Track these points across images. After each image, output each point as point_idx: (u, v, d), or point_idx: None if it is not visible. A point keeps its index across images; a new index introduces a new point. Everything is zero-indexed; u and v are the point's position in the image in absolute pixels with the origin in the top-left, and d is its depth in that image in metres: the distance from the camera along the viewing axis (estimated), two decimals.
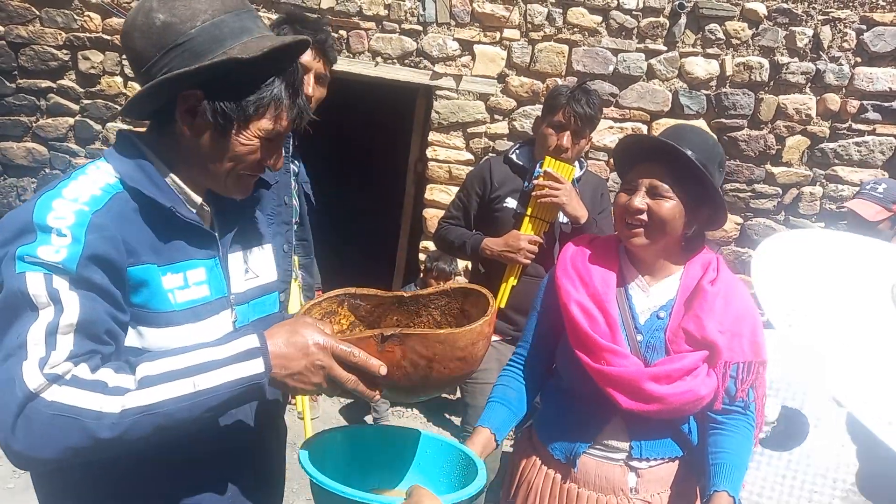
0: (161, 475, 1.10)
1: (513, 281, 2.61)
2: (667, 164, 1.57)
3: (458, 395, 2.80)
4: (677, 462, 1.65)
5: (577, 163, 2.67)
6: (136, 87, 4.54)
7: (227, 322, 1.19)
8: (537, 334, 1.79)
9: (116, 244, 1.02)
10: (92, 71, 4.51)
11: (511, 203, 2.63)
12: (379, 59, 4.38)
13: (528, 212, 2.57)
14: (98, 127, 4.62)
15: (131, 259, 1.04)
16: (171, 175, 1.14)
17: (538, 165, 2.58)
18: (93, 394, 0.92)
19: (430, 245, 4.53)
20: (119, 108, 4.59)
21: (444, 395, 3.90)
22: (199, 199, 1.17)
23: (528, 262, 2.56)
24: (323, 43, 2.18)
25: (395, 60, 4.40)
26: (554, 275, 1.73)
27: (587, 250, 1.72)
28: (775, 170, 4.46)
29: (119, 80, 4.56)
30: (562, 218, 2.60)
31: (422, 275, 4.47)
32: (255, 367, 0.99)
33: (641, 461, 1.62)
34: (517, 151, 2.72)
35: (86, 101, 4.58)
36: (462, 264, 4.40)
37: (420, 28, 4.35)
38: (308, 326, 1.05)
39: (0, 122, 4.56)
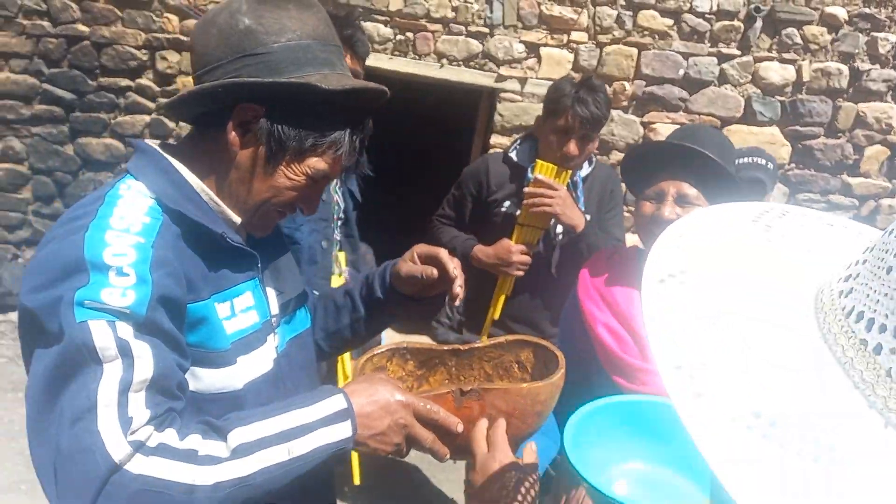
0: None
1: (507, 291, 2.42)
2: (689, 168, 1.51)
3: None
4: None
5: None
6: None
7: (272, 349, 1.10)
8: (569, 365, 1.76)
9: (179, 280, 0.93)
10: (169, 71, 4.67)
11: (507, 206, 2.41)
12: (444, 60, 4.39)
13: (520, 219, 2.34)
14: (171, 125, 4.78)
15: (191, 295, 0.95)
16: (207, 190, 1.03)
17: (529, 170, 2.36)
18: (183, 465, 0.82)
19: None
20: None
21: None
22: (238, 220, 1.06)
23: (521, 273, 2.35)
24: (350, 38, 2.06)
25: (461, 62, 4.41)
26: (577, 297, 1.68)
27: (607, 268, 1.67)
28: (852, 180, 4.28)
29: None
30: (557, 230, 2.38)
31: None
32: (344, 430, 0.92)
33: None
34: (517, 148, 2.46)
35: (162, 100, 4.74)
36: None
37: (487, 30, 4.35)
38: (386, 383, 0.99)
39: (81, 118, 4.77)
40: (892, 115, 4.16)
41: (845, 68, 4.14)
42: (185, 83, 4.70)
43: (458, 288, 1.18)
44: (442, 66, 4.38)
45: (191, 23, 4.57)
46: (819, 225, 0.56)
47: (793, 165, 4.32)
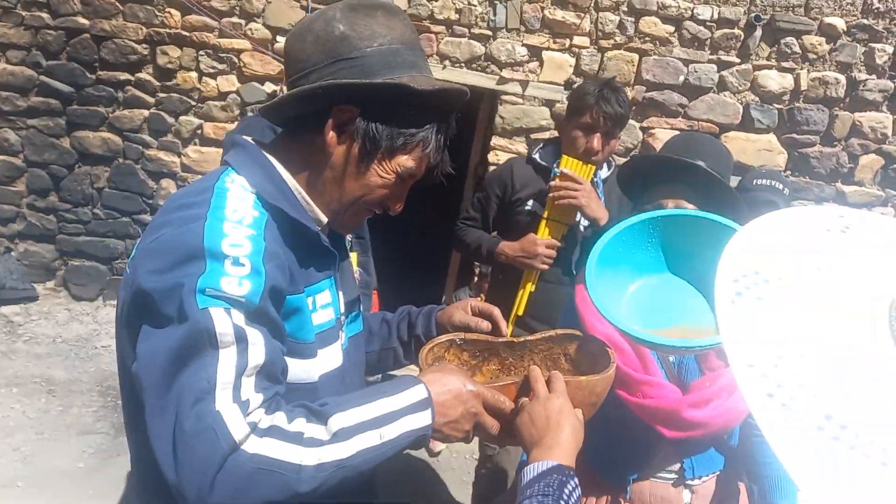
0: None
1: (531, 287, 2.49)
2: (687, 181, 1.54)
3: None
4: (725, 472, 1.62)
5: (605, 162, 2.55)
6: (209, 81, 4.68)
7: (339, 347, 1.15)
8: None
9: (285, 273, 0.98)
10: (169, 66, 4.65)
11: (531, 205, 2.50)
12: (447, 62, 4.41)
13: (545, 214, 2.44)
14: (171, 120, 4.75)
15: (291, 287, 1.00)
16: (299, 189, 1.09)
17: (555, 165, 2.46)
18: (292, 446, 0.87)
19: None
20: (193, 102, 4.73)
21: None
22: (324, 219, 1.11)
23: (546, 267, 2.43)
24: None
25: (463, 64, 4.43)
26: (576, 308, 1.68)
27: None
28: (847, 188, 4.35)
29: (194, 75, 4.69)
30: (582, 223, 2.47)
31: (476, 279, 4.49)
32: (425, 418, 0.96)
33: (694, 479, 1.59)
34: (541, 151, 2.57)
35: (161, 95, 4.72)
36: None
37: (490, 33, 4.37)
38: (456, 373, 1.03)
39: (79, 111, 4.74)
40: (887, 125, 4.23)
41: (843, 78, 4.21)
42: (186, 78, 4.69)
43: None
44: (444, 67, 4.40)
45: (192, 18, 4.56)
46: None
47: (788, 173, 4.38)
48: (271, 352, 0.92)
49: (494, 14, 4.32)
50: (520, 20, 4.33)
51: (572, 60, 4.36)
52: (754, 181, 2.63)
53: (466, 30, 4.38)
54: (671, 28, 4.26)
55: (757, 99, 4.30)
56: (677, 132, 4.35)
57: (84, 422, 3.55)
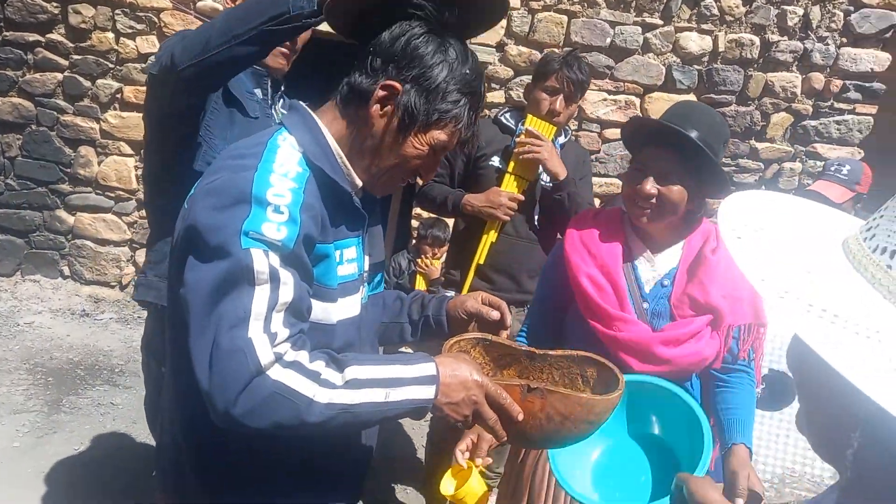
0: (291, 480, 1.22)
1: (493, 236, 2.67)
2: (674, 146, 1.63)
3: None
4: None
5: (562, 131, 2.74)
6: (127, 42, 4.46)
7: (358, 299, 1.27)
8: (546, 306, 1.88)
9: (318, 223, 1.10)
10: (83, 25, 4.40)
11: (495, 161, 2.68)
12: None
13: (510, 168, 2.63)
14: (88, 84, 4.52)
15: (321, 237, 1.12)
16: (340, 153, 1.19)
17: (520, 124, 2.65)
18: (309, 381, 0.99)
19: (425, 213, 4.60)
20: (111, 65, 4.50)
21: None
22: (360, 183, 1.23)
23: (508, 218, 2.61)
24: None
25: None
26: (562, 249, 1.81)
27: (593, 225, 1.80)
28: (759, 145, 4.62)
29: (111, 35, 4.46)
30: (543, 178, 2.67)
31: (414, 242, 4.55)
32: (429, 392, 1.06)
33: None
34: (506, 114, 2.78)
35: (75, 57, 4.47)
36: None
37: None
38: (468, 363, 1.12)
39: None
40: (796, 85, 4.49)
41: (757, 39, 4.43)
42: (102, 39, 4.45)
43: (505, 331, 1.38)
44: None
45: None
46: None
47: None
48: (299, 292, 1.04)
49: None
50: None
51: (503, 22, 4.40)
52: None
53: None
54: None
55: (678, 60, 4.48)
56: (604, 93, 4.49)
57: (14, 401, 3.43)
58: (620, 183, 4.63)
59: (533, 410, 1.14)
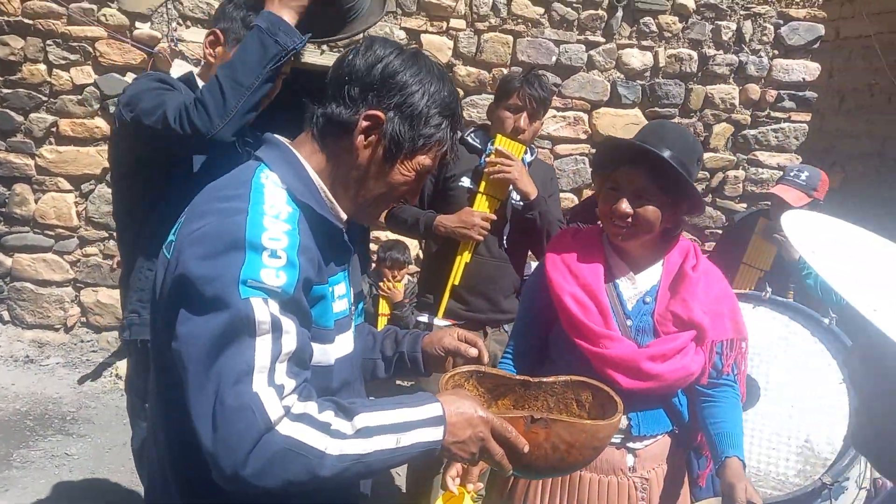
0: None
1: (467, 257, 2.66)
2: (649, 166, 1.66)
3: (413, 382, 2.84)
4: (669, 438, 1.79)
5: (528, 149, 2.76)
6: (61, 73, 4.28)
7: (352, 335, 1.24)
8: (529, 328, 1.88)
9: (315, 265, 1.06)
10: (11, 57, 4.20)
11: (465, 182, 2.68)
12: (324, 46, 4.31)
13: (481, 189, 2.63)
14: (20, 118, 4.32)
15: (318, 278, 1.08)
16: (323, 186, 1.16)
17: (490, 144, 2.66)
18: (320, 434, 0.95)
19: (382, 235, 4.56)
20: (44, 97, 4.31)
21: (397, 382, 3.97)
22: (344, 216, 1.20)
23: (482, 238, 2.61)
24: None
25: (342, 49, 4.36)
26: (543, 269, 1.81)
27: (573, 244, 1.82)
28: (704, 155, 4.76)
29: (43, 67, 4.28)
30: (514, 197, 2.68)
31: (374, 265, 4.50)
32: (437, 434, 1.03)
33: (637, 440, 1.73)
34: (472, 134, 2.78)
35: (5, 91, 4.26)
36: (413, 252, 4.46)
37: None
38: (470, 398, 1.10)
39: None
40: (734, 96, 4.66)
41: (695, 54, 4.58)
42: (33, 71, 4.26)
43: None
44: (322, 52, 4.31)
45: (35, 3, 4.15)
46: None
47: None
48: (302, 340, 1.01)
49: None
50: (395, 2, 4.32)
51: (450, 43, 4.42)
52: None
53: None
54: (541, 10, 4.43)
55: (622, 76, 4.59)
56: (553, 111, 4.56)
57: None
58: (574, 198, 4.71)
59: (538, 441, 1.13)
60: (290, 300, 0.99)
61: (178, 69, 2.09)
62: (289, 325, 0.98)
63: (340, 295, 1.18)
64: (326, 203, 1.16)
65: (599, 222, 1.84)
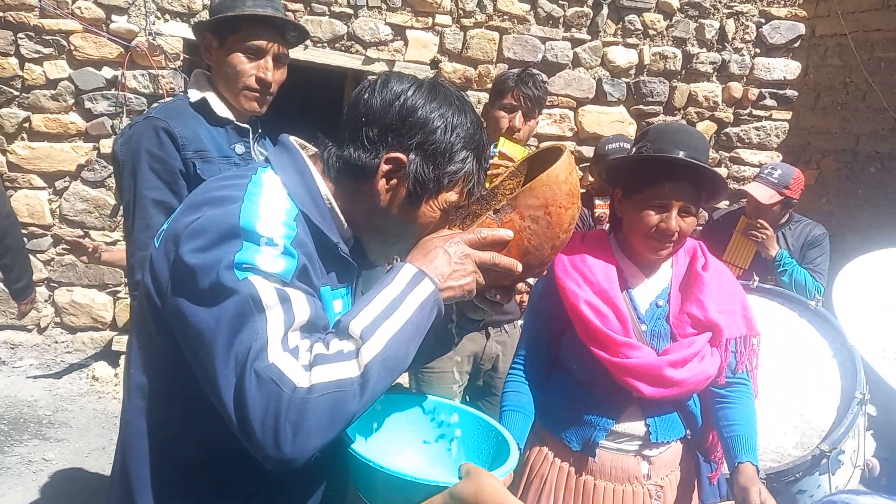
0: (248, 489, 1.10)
1: None
2: (691, 179, 1.63)
3: (413, 385, 2.80)
4: (681, 444, 1.78)
5: (526, 149, 2.72)
6: (34, 68, 4.14)
7: None
8: (540, 336, 1.85)
9: (313, 262, 1.03)
10: None
11: None
12: (308, 42, 4.24)
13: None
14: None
15: (316, 278, 1.04)
16: (331, 199, 1.10)
17: (492, 146, 2.59)
18: (339, 363, 0.93)
19: None
20: (16, 92, 4.17)
21: (398, 381, 3.92)
22: (349, 234, 1.14)
23: None
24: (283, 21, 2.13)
25: (326, 44, 4.29)
26: (553, 275, 1.76)
27: (582, 249, 1.77)
28: None
29: (14, 61, 4.13)
30: None
31: None
32: (427, 285, 1.01)
33: (653, 447, 1.72)
34: None
35: None
36: None
37: (351, 11, 4.26)
38: (429, 237, 1.09)
39: None
40: (717, 94, 4.69)
41: (679, 52, 4.60)
42: (4, 65, 4.12)
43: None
44: (306, 47, 4.23)
45: None
46: None
47: None
48: (314, 309, 0.98)
49: None
50: None
51: (436, 39, 4.37)
52: (606, 147, 3.11)
53: (326, 8, 4.24)
54: (527, 7, 4.40)
55: (608, 74, 4.58)
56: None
57: None
58: None
59: (516, 225, 1.10)
60: (291, 283, 0.97)
61: (194, 96, 1.97)
62: (297, 296, 0.96)
63: (339, 313, 1.11)
64: (331, 217, 1.10)
65: (605, 226, 1.80)
